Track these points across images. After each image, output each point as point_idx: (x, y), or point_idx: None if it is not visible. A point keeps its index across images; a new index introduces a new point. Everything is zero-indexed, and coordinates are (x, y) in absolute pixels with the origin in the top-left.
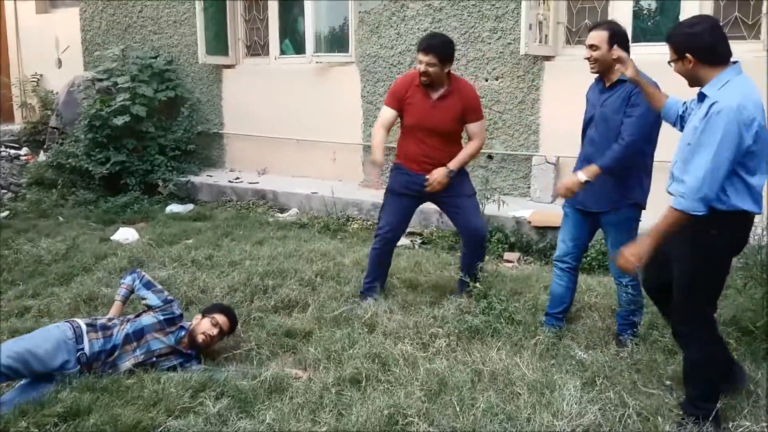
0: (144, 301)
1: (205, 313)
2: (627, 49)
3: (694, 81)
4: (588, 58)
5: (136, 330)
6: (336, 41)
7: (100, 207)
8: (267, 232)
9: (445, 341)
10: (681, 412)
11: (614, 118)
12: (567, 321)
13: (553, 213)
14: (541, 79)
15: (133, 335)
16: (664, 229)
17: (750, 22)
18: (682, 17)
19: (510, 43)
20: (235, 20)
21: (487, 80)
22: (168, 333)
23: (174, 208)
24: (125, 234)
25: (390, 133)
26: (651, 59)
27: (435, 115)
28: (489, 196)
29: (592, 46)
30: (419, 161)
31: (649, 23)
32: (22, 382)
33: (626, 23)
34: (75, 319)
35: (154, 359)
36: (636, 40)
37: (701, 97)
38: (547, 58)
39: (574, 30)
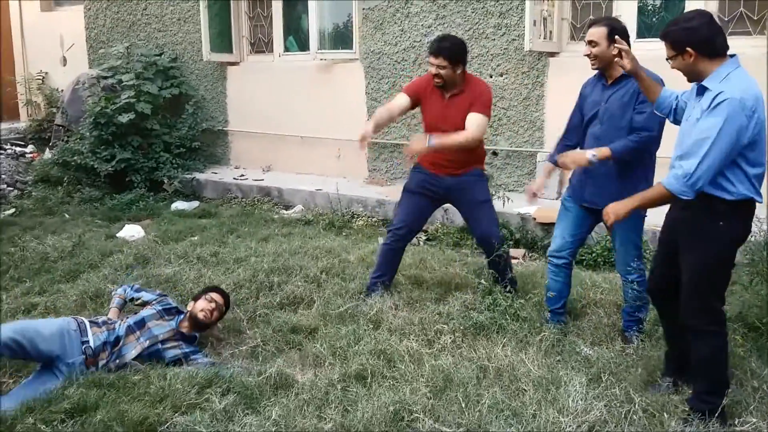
0: (139, 301)
1: (196, 297)
2: (627, 43)
3: (693, 75)
4: (588, 55)
5: (137, 321)
6: (340, 38)
7: (105, 204)
8: (272, 229)
9: (450, 338)
10: (687, 408)
11: (622, 114)
12: (572, 317)
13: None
14: (546, 75)
15: (135, 325)
16: (648, 200)
17: (755, 18)
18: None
19: (514, 40)
20: (240, 17)
21: (491, 76)
22: (168, 320)
23: (179, 205)
24: (131, 231)
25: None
26: (655, 54)
27: (448, 113)
28: (494, 193)
29: (591, 42)
30: (436, 162)
31: (654, 19)
32: (26, 380)
33: (631, 19)
34: (78, 316)
35: (159, 345)
36: (641, 35)
37: (701, 90)
38: (552, 54)
39: (578, 26)
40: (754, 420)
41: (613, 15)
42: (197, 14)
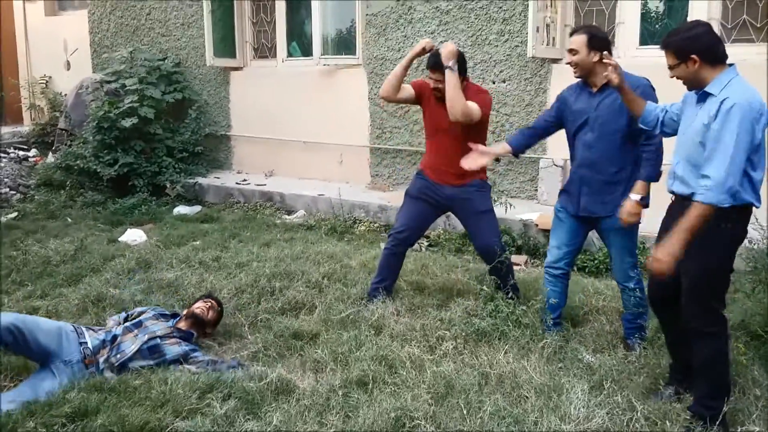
0: (134, 315)
1: (192, 303)
2: (609, 51)
3: (695, 83)
4: (569, 63)
5: (135, 323)
6: (343, 43)
7: (108, 208)
8: (274, 234)
9: (452, 344)
10: (689, 416)
11: (615, 120)
12: (574, 325)
13: None
14: (549, 81)
15: (132, 326)
16: (694, 224)
17: (758, 25)
18: (691, 19)
19: (517, 46)
20: (243, 23)
21: (494, 83)
22: (164, 321)
23: (181, 209)
24: (133, 235)
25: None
26: (657, 62)
27: (447, 118)
28: (496, 199)
29: (572, 51)
30: (438, 170)
31: (657, 26)
32: (23, 383)
33: (634, 26)
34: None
35: (158, 341)
36: (644, 43)
37: (704, 96)
38: (555, 60)
39: None
40: (757, 429)
41: (617, 22)
42: (201, 19)
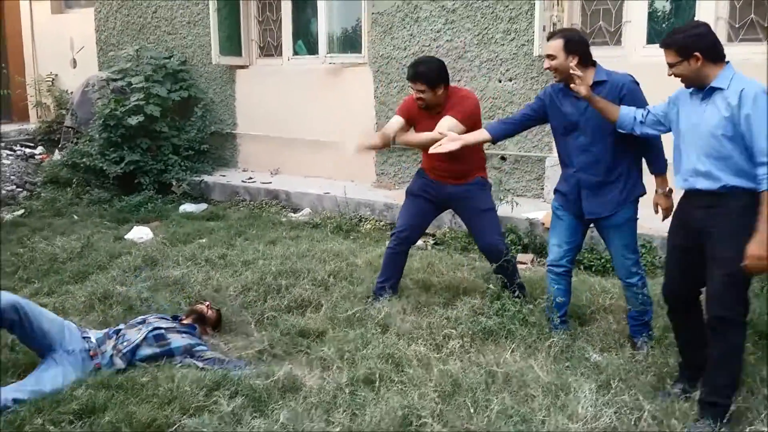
0: None
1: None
2: (586, 53)
3: (696, 81)
4: (548, 68)
5: (138, 320)
6: (349, 42)
7: (114, 206)
8: (280, 232)
9: (458, 342)
10: (698, 409)
11: (605, 123)
12: (581, 323)
13: None
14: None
15: (135, 323)
16: None
17: (766, 24)
18: (697, 19)
19: (524, 45)
20: (249, 21)
21: (500, 81)
22: (166, 320)
23: (187, 207)
24: (139, 233)
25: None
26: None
27: (433, 127)
28: (502, 198)
29: (549, 56)
30: (435, 172)
31: (663, 25)
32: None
33: (641, 25)
34: None
35: (163, 331)
36: (650, 41)
37: (710, 92)
38: None
39: (588, 31)
40: (765, 429)
41: (623, 21)
42: (207, 17)
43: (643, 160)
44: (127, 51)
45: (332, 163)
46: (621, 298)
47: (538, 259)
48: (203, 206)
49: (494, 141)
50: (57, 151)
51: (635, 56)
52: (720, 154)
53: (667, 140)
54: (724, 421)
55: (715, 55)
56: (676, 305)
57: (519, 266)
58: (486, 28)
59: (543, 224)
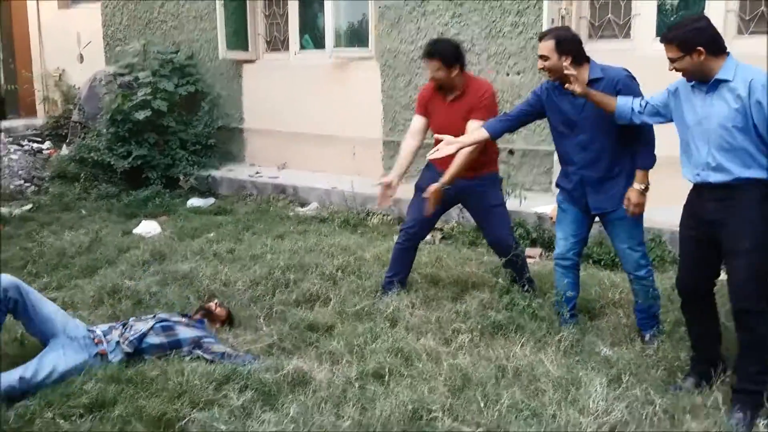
0: None
1: None
2: (579, 51)
3: (698, 74)
4: (542, 69)
5: (148, 316)
6: (356, 36)
7: (122, 200)
8: (287, 227)
9: (467, 336)
10: (732, 399)
11: (604, 119)
12: (591, 318)
13: None
14: None
15: (143, 317)
16: None
17: None
18: (707, 12)
19: (532, 38)
20: (255, 15)
21: (508, 75)
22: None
23: (195, 202)
24: (147, 227)
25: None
26: None
27: (450, 118)
28: (510, 192)
29: (542, 57)
30: (446, 164)
31: (672, 18)
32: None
33: (651, 18)
34: None
35: (171, 322)
36: (660, 35)
37: (715, 85)
38: None
39: (597, 24)
40: None
41: (632, 14)
42: (213, 12)
43: None
44: (134, 46)
45: (339, 157)
46: (630, 292)
47: (547, 254)
48: (211, 201)
49: (492, 139)
50: (64, 145)
51: (644, 49)
52: (731, 147)
53: (665, 135)
54: (761, 407)
55: (717, 47)
56: (690, 298)
57: (528, 260)
58: (494, 21)
59: (551, 218)
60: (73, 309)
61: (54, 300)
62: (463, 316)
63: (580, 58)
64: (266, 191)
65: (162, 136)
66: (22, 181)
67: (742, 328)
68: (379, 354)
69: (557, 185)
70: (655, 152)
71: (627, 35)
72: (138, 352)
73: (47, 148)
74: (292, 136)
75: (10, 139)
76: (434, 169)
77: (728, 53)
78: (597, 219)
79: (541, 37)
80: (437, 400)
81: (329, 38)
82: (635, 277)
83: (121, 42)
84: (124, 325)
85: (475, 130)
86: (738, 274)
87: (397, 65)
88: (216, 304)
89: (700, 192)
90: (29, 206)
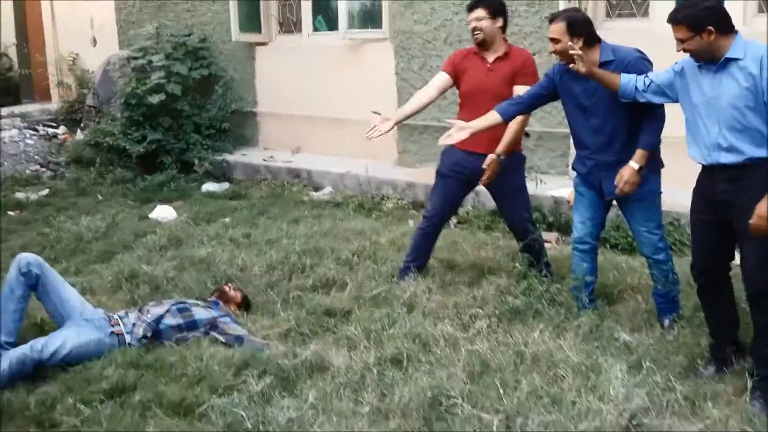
0: None
1: None
2: (591, 32)
3: (707, 54)
4: (553, 52)
5: (163, 302)
6: (369, 17)
7: (137, 185)
8: (302, 211)
9: (485, 322)
10: (752, 384)
11: (615, 101)
12: (609, 303)
13: None
14: None
15: (159, 303)
16: None
17: None
18: None
19: (548, 17)
20: None
21: None
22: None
23: (210, 186)
24: (163, 212)
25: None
26: None
27: (490, 78)
28: (526, 175)
29: (553, 40)
30: (468, 145)
31: None
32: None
33: (669, 2)
34: None
35: (187, 304)
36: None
37: (725, 64)
38: None
39: (614, 3)
40: None
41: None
42: None
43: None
44: (147, 29)
45: (353, 141)
46: (649, 276)
47: (563, 238)
48: (225, 185)
49: (505, 122)
50: (79, 130)
51: (663, 28)
52: (743, 126)
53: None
54: None
55: (726, 27)
56: (705, 282)
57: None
58: (509, 1)
59: (568, 202)
60: (91, 294)
61: (73, 285)
62: (480, 301)
63: (591, 40)
64: (280, 175)
65: (176, 120)
66: (38, 167)
67: (758, 311)
68: (396, 339)
69: (573, 168)
70: (669, 134)
71: (645, 14)
72: (156, 334)
73: (62, 133)
74: (305, 120)
75: (25, 124)
76: (457, 151)
77: (737, 32)
78: (614, 202)
79: (552, 19)
80: (456, 386)
81: (342, 19)
82: (654, 261)
83: (134, 25)
84: (140, 309)
85: (488, 113)
86: (752, 255)
87: (412, 46)
88: (231, 286)
89: (710, 173)
90: (46, 191)
